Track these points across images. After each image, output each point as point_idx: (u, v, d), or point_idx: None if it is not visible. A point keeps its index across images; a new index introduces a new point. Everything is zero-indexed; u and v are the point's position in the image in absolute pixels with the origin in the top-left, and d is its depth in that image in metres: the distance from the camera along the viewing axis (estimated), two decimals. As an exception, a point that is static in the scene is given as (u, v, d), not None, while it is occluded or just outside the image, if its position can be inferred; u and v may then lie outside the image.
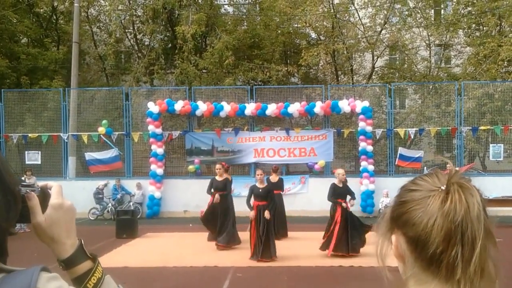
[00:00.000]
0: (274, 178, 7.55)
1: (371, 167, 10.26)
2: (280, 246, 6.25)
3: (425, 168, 10.58)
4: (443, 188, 0.57)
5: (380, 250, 0.62)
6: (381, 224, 0.63)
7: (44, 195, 0.63)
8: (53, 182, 0.66)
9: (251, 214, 5.69)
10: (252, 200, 5.85)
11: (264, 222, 5.61)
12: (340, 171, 5.93)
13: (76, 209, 0.67)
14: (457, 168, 0.58)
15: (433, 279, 0.57)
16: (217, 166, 6.63)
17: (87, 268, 0.64)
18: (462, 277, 0.54)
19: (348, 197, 5.88)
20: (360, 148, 10.36)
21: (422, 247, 0.56)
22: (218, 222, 6.36)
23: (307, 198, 10.14)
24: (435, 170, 0.63)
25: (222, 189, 6.50)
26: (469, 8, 13.62)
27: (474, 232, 0.54)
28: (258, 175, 5.86)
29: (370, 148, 10.33)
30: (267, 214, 5.58)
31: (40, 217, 0.62)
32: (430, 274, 0.57)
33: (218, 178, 6.54)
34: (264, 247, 5.55)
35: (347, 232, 5.64)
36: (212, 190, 6.56)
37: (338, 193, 5.78)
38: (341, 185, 5.83)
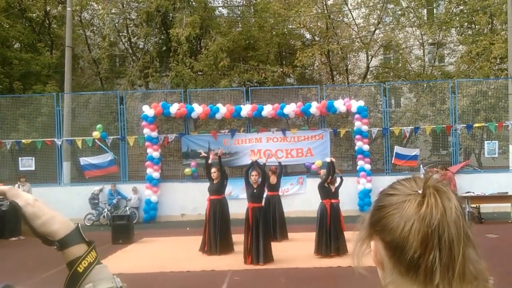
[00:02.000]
0: (273, 179, 7.51)
1: (368, 166, 10.28)
2: (278, 248, 6.22)
3: (421, 166, 10.63)
4: (419, 192, 0.56)
5: (357, 255, 0.60)
6: (361, 230, 0.61)
7: (14, 209, 0.63)
8: (4, 187, 0.65)
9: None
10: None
11: (260, 224, 5.58)
12: (325, 172, 6.13)
13: (32, 195, 0.68)
14: (436, 170, 0.57)
15: (412, 285, 0.55)
16: (213, 169, 6.61)
17: (82, 252, 0.64)
18: (440, 282, 0.53)
19: (338, 179, 6.25)
20: (356, 148, 10.38)
21: (400, 252, 0.55)
22: (216, 228, 6.29)
23: (305, 198, 10.13)
24: (413, 174, 0.62)
25: (216, 192, 6.48)
26: (461, 7, 13.76)
27: (451, 236, 0.53)
28: (253, 176, 5.80)
29: (366, 147, 10.36)
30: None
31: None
32: (409, 280, 0.56)
33: (214, 181, 6.52)
34: (261, 251, 5.51)
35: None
36: (208, 191, 6.56)
37: (327, 193, 5.96)
38: (327, 186, 6.01)
